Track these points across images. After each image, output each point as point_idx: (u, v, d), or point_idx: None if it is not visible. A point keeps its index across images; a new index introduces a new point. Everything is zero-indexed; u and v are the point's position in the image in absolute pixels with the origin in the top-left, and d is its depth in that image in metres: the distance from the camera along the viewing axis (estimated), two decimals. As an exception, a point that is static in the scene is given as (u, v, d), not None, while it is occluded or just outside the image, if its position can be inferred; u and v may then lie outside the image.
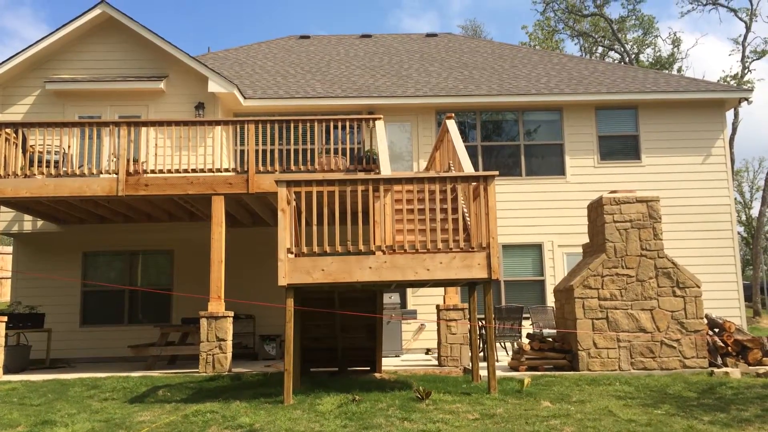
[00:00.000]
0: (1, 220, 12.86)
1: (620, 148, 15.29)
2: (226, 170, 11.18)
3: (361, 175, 8.39)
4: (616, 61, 33.93)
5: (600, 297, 9.52)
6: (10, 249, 18.33)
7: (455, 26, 76.32)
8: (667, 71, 32.91)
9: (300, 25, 74.22)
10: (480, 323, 10.55)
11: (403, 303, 14.35)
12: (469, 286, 8.97)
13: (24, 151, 11.11)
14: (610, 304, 9.51)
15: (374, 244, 7.93)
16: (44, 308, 12.76)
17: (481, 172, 8.09)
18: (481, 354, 11.17)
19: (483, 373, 8.85)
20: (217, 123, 11.43)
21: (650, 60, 34.67)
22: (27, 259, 14.00)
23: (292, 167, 11.07)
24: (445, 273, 7.86)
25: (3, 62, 13.47)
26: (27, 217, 13.36)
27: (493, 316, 11.80)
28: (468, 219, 8.98)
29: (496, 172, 8.15)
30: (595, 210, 10.16)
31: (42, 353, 12.61)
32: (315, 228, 7.87)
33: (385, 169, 9.75)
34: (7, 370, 10.94)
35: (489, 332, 7.92)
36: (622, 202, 9.78)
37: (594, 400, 7.41)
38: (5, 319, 10.69)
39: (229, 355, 10.36)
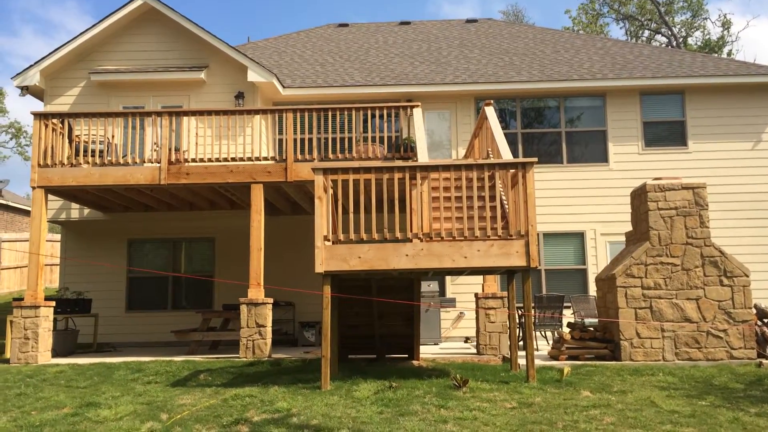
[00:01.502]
0: (50, 208, 13.22)
1: (666, 134, 14.88)
2: (265, 159, 11.27)
3: (398, 163, 8.36)
4: (663, 45, 32.99)
5: (643, 286, 9.30)
6: (58, 237, 18.90)
7: (496, 12, 75.19)
8: (716, 55, 31.82)
9: (338, 13, 74.20)
10: (519, 312, 10.44)
11: (442, 291, 14.29)
12: (507, 275, 8.85)
13: (70, 141, 11.39)
14: (654, 293, 9.28)
15: (411, 231, 7.89)
16: (91, 294, 13.11)
17: (519, 159, 7.96)
18: (520, 343, 11.05)
19: (522, 362, 8.75)
20: (256, 112, 11.51)
21: (699, 43, 33.54)
22: (75, 246, 14.39)
23: (330, 155, 11.09)
24: (483, 261, 7.78)
25: (48, 54, 13.81)
26: (74, 205, 13.73)
27: (533, 304, 11.71)
28: (506, 207, 8.86)
29: (535, 159, 8.01)
30: (639, 197, 9.91)
31: (89, 338, 12.98)
32: (352, 215, 7.87)
33: (423, 157, 9.68)
34: (56, 354, 11.29)
35: (528, 321, 7.82)
36: (667, 189, 9.51)
37: (636, 390, 7.25)
38: (53, 304, 11.03)
39: (269, 341, 10.48)
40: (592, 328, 9.84)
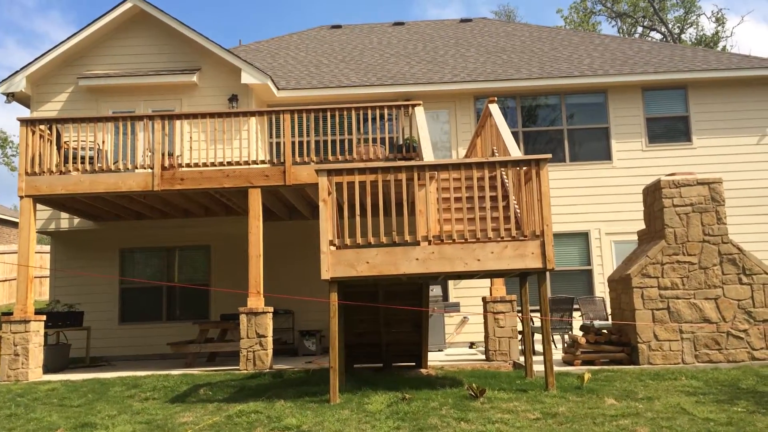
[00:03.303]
0: (38, 218, 12.72)
1: (670, 130, 14.61)
2: (262, 162, 10.87)
3: (404, 163, 7.98)
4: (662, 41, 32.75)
5: (660, 286, 8.96)
6: (48, 248, 18.38)
7: (484, 14, 75.08)
8: (717, 49, 31.65)
9: (325, 16, 73.76)
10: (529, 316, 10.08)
11: (445, 295, 13.92)
12: (520, 277, 8.50)
13: (59, 148, 10.94)
14: (671, 294, 8.94)
15: (420, 234, 7.52)
16: (83, 306, 12.65)
17: (533, 156, 7.61)
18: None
19: (537, 368, 8.39)
20: (252, 114, 11.12)
21: (693, 40, 33.38)
22: (65, 257, 13.92)
23: (330, 157, 10.71)
24: (497, 263, 7.41)
25: (35, 59, 13.36)
26: (63, 215, 13.27)
27: (540, 307, 11.31)
28: (516, 206, 8.50)
29: (549, 156, 7.65)
30: (652, 194, 9.57)
31: (82, 351, 12.51)
32: (358, 219, 7.49)
33: (428, 156, 9.30)
34: (47, 370, 10.82)
35: (545, 325, 7.45)
36: (682, 185, 9.19)
37: (662, 396, 6.90)
38: (44, 318, 10.57)
39: (270, 351, 10.07)
40: (606, 331, 9.49)
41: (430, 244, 7.45)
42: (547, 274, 7.61)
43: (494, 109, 10.30)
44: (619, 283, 9.57)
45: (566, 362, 9.47)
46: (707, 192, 9.16)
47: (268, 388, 8.35)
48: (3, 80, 13.24)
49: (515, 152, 8.72)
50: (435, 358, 10.93)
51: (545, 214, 7.44)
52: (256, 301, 10.23)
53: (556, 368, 8.86)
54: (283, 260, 13.65)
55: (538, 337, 11.98)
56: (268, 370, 9.78)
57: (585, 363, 9.20)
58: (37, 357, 10.21)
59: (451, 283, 13.99)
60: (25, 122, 10.60)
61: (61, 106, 13.67)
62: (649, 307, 8.94)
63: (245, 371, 9.83)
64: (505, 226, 7.55)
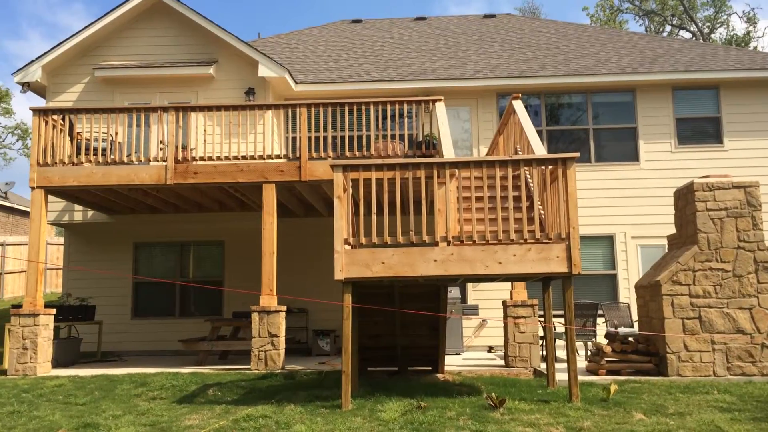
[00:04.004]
0: (52, 210, 12.57)
1: (700, 131, 14.08)
2: (278, 157, 10.57)
3: (424, 159, 7.63)
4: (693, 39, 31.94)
5: (691, 294, 8.52)
6: (61, 240, 18.29)
7: (509, 11, 74.28)
8: (751, 47, 30.80)
9: (346, 12, 73.32)
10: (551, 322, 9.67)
11: (464, 298, 13.54)
12: (543, 282, 8.11)
13: (71, 139, 10.74)
14: (703, 302, 8.49)
15: (439, 234, 7.17)
16: (95, 300, 12.45)
17: (559, 154, 7.22)
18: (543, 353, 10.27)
19: (559, 377, 8.00)
20: (268, 107, 10.84)
21: (723, 40, 32.53)
22: (78, 250, 13.76)
23: (347, 153, 10.38)
24: (520, 267, 7.04)
25: (51, 49, 13.18)
26: (77, 207, 13.08)
27: (564, 313, 10.88)
28: (540, 207, 8.11)
29: (576, 154, 7.26)
30: (684, 197, 9.12)
31: (93, 346, 12.32)
32: (374, 217, 7.15)
33: (448, 153, 8.94)
34: (57, 364, 10.64)
35: (570, 333, 7.06)
36: (716, 188, 8.73)
37: (694, 412, 6.48)
38: (54, 311, 10.37)
39: (282, 351, 9.78)
40: (632, 340, 9.06)
41: (449, 244, 7.10)
42: (572, 279, 7.22)
43: (518, 105, 9.91)
44: (648, 290, 9.14)
45: (590, 371, 9.06)
46: (743, 196, 8.68)
47: (279, 390, 8.06)
48: (19, 69, 13.08)
49: (540, 150, 8.34)
50: (452, 363, 10.57)
51: (571, 215, 7.06)
52: (268, 299, 9.94)
53: (579, 377, 8.45)
54: (297, 258, 13.36)
55: (559, 343, 11.57)
56: (279, 371, 9.50)
57: (610, 373, 8.78)
58: (45, 351, 10.01)
59: (470, 285, 13.61)
60: (37, 112, 10.41)
61: (77, 97, 13.49)
62: (679, 315, 8.50)
63: (256, 371, 9.55)
64: (529, 227, 7.17)
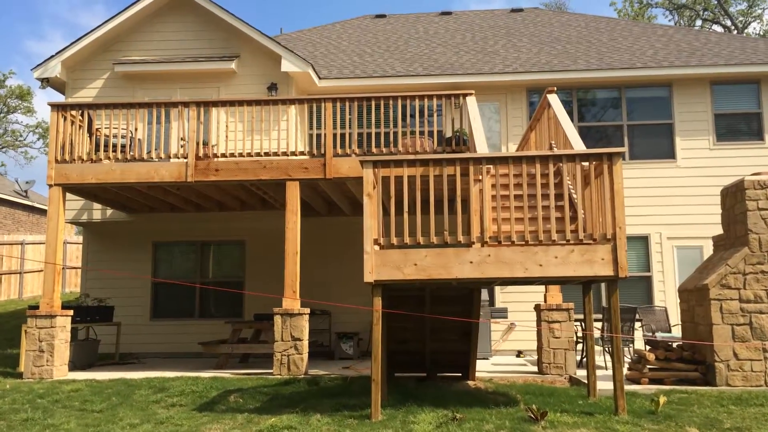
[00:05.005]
0: (70, 208, 12.30)
1: (740, 127, 13.47)
2: (302, 153, 10.18)
3: (458, 155, 7.20)
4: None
5: (741, 299, 7.98)
6: (80, 239, 18.08)
7: (535, 5, 73.33)
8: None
9: (367, 8, 72.78)
10: (581, 325, 9.17)
11: (492, 300, 13.07)
12: (583, 285, 7.64)
13: (90, 135, 10.44)
14: (755, 308, 7.96)
15: (474, 234, 6.73)
16: (114, 300, 12.16)
17: (605, 149, 6.75)
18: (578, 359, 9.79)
19: (600, 386, 7.53)
20: (292, 102, 10.46)
21: (757, 34, 31.55)
22: (97, 249, 13.50)
23: (374, 149, 9.97)
24: (562, 270, 6.58)
25: (71, 44, 12.92)
26: (96, 205, 12.81)
27: (601, 316, 10.42)
28: (579, 206, 7.63)
29: (623, 149, 6.82)
30: (733, 196, 8.57)
31: (111, 347, 12.03)
32: (406, 216, 6.73)
33: (482, 148, 8.49)
34: (74, 366, 10.36)
35: (616, 342, 6.59)
36: (769, 186, 8.18)
37: (753, 427, 5.98)
38: (71, 312, 10.08)
39: (306, 356, 9.39)
40: (676, 346, 8.54)
41: (484, 245, 6.66)
42: (617, 282, 6.76)
43: (553, 99, 9.44)
44: (693, 294, 8.61)
45: (630, 380, 8.55)
46: (798, 194, 8.13)
47: (303, 397, 7.68)
48: (38, 65, 12.85)
49: (579, 145, 7.87)
50: (481, 368, 10.11)
51: (618, 215, 6.59)
52: (291, 301, 9.57)
53: (620, 387, 7.98)
54: (320, 258, 12.98)
55: (596, 349, 11.05)
56: (302, 376, 9.11)
57: (652, 382, 8.27)
58: (62, 354, 9.72)
59: (498, 286, 13.13)
60: (56, 107, 10.12)
61: (97, 92, 13.22)
62: (728, 321, 7.97)
63: (279, 376, 9.17)
64: (572, 227, 6.71)
